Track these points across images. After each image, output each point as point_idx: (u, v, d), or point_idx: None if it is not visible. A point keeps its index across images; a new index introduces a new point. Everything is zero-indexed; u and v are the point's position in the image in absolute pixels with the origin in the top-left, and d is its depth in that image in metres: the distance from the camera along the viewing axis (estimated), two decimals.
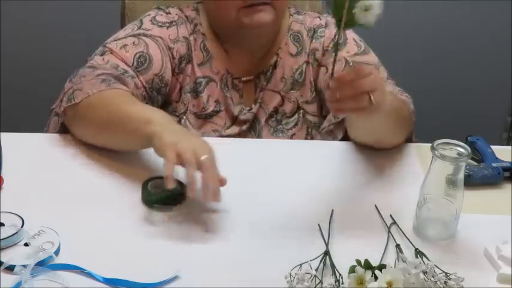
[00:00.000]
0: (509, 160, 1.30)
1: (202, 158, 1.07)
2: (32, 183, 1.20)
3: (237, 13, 1.35)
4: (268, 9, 1.35)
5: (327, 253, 1.04)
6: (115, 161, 1.27)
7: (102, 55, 1.36)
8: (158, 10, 1.45)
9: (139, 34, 1.39)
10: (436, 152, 1.06)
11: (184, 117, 1.43)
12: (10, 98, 2.42)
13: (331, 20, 1.48)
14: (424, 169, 1.15)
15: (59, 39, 2.42)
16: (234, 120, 1.45)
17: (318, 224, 1.12)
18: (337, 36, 1.05)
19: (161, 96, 1.40)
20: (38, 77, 2.46)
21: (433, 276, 0.97)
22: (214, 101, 1.44)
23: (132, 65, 1.35)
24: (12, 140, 1.23)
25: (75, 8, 2.36)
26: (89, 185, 1.21)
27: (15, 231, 1.04)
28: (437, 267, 0.99)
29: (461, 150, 1.07)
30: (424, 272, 0.97)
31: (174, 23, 1.42)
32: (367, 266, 0.98)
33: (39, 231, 1.05)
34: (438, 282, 0.97)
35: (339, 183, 1.24)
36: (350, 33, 1.45)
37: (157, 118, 1.16)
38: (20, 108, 2.41)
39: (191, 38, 1.43)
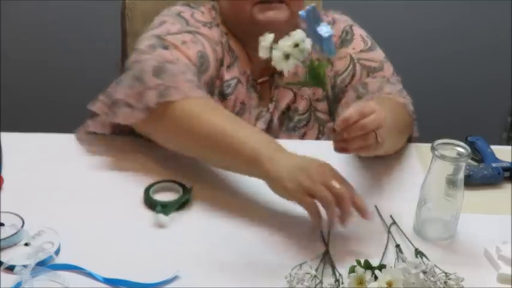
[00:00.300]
0: (509, 160, 1.30)
1: (336, 189, 1.03)
2: (32, 183, 1.20)
3: (251, 9, 1.33)
4: (283, 8, 1.33)
5: (326, 253, 1.04)
6: (116, 161, 1.27)
7: (166, 49, 1.24)
8: (191, 8, 1.38)
9: (192, 31, 1.31)
10: (436, 152, 1.06)
11: None
12: (10, 98, 2.42)
13: (339, 17, 1.48)
14: (424, 169, 1.15)
15: (59, 39, 2.42)
16: (256, 121, 1.43)
17: None
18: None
19: None
20: (38, 77, 2.46)
21: (433, 276, 0.97)
22: (240, 103, 1.40)
23: (196, 65, 1.27)
24: (12, 140, 1.23)
25: (75, 8, 2.36)
26: (89, 185, 1.21)
27: (15, 231, 1.04)
28: (437, 267, 0.99)
29: (461, 150, 1.07)
30: (424, 272, 0.97)
31: (212, 24, 1.37)
32: (367, 266, 0.98)
33: (39, 231, 1.05)
34: (438, 282, 0.97)
35: None
36: (357, 30, 1.46)
37: (265, 151, 1.09)
38: (20, 108, 2.42)
39: (223, 40, 1.38)
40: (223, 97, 1.38)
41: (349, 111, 1.04)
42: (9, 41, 2.38)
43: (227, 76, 1.38)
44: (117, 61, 1.66)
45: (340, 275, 0.99)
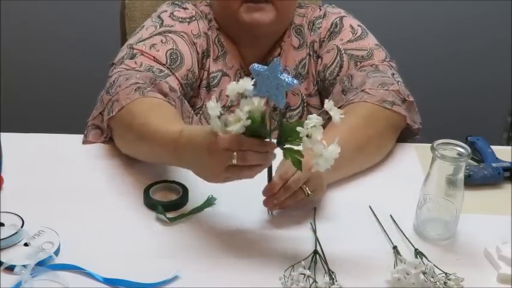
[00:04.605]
0: (509, 160, 1.30)
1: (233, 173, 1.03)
2: (32, 183, 1.20)
3: (238, 8, 1.36)
4: (269, 9, 1.36)
5: (316, 252, 1.04)
6: (116, 161, 1.27)
7: (132, 58, 1.34)
8: (174, 5, 1.44)
9: (164, 32, 1.38)
10: (436, 152, 1.06)
11: (201, 111, 1.43)
12: (10, 98, 2.42)
13: (331, 10, 1.48)
14: (424, 169, 1.15)
15: (59, 39, 2.42)
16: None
17: (310, 223, 1.13)
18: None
19: (193, 91, 1.41)
20: (37, 77, 2.46)
21: (432, 277, 0.98)
22: (227, 95, 1.43)
23: (166, 63, 1.34)
24: (12, 140, 1.24)
25: (75, 8, 2.36)
26: (89, 185, 1.21)
27: (15, 231, 1.04)
28: (437, 267, 1.00)
29: (461, 150, 1.07)
30: (424, 273, 0.98)
31: (193, 18, 1.43)
32: None
33: (39, 231, 1.05)
34: (438, 283, 0.97)
35: (338, 182, 1.24)
36: (348, 20, 1.46)
37: (178, 148, 1.10)
38: (20, 108, 2.42)
39: (209, 33, 1.44)
40: (209, 88, 1.43)
41: (274, 179, 1.08)
42: (10, 41, 2.38)
43: (213, 68, 1.43)
44: None
45: (333, 272, 0.99)
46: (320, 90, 1.47)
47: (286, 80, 0.98)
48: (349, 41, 1.43)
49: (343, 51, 1.42)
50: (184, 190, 1.18)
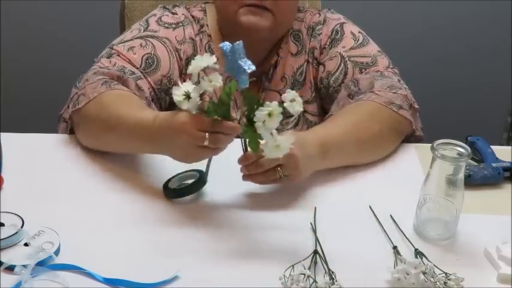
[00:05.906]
0: (509, 160, 1.30)
1: (204, 145, 1.07)
2: (32, 183, 1.20)
3: (237, 10, 1.36)
4: (267, 16, 1.36)
5: (316, 252, 1.04)
6: (116, 161, 1.27)
7: (109, 57, 1.35)
8: (164, 10, 1.45)
9: (146, 36, 1.39)
10: (436, 152, 1.06)
11: None
12: (10, 98, 2.42)
13: (330, 16, 1.48)
14: (424, 169, 1.15)
15: (59, 39, 2.42)
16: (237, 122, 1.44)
17: (310, 223, 1.13)
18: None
19: (169, 97, 1.40)
20: (37, 77, 2.46)
21: (432, 277, 0.98)
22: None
23: (140, 67, 1.35)
24: (12, 140, 1.24)
25: (75, 8, 2.36)
26: (89, 185, 1.21)
27: (15, 231, 1.04)
28: (437, 267, 1.00)
29: (461, 150, 1.07)
30: (424, 273, 0.98)
31: (180, 24, 1.43)
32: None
33: (39, 231, 1.05)
34: (438, 283, 0.97)
35: (338, 182, 1.24)
36: (348, 27, 1.46)
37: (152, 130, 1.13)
38: (20, 108, 2.42)
39: (197, 39, 1.44)
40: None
41: (249, 151, 1.10)
42: (9, 41, 2.38)
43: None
44: None
45: (333, 272, 0.99)
46: (323, 97, 1.47)
47: (243, 66, 1.03)
48: (351, 48, 1.43)
49: (347, 59, 1.42)
50: (201, 174, 1.18)
